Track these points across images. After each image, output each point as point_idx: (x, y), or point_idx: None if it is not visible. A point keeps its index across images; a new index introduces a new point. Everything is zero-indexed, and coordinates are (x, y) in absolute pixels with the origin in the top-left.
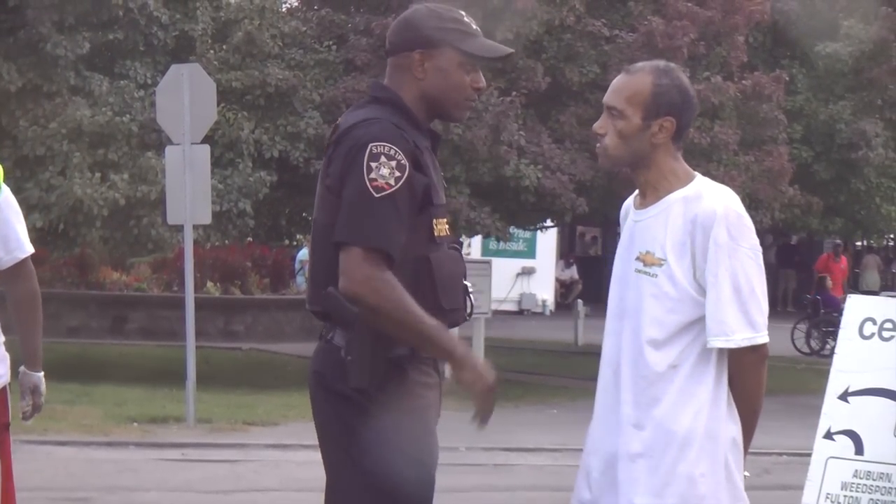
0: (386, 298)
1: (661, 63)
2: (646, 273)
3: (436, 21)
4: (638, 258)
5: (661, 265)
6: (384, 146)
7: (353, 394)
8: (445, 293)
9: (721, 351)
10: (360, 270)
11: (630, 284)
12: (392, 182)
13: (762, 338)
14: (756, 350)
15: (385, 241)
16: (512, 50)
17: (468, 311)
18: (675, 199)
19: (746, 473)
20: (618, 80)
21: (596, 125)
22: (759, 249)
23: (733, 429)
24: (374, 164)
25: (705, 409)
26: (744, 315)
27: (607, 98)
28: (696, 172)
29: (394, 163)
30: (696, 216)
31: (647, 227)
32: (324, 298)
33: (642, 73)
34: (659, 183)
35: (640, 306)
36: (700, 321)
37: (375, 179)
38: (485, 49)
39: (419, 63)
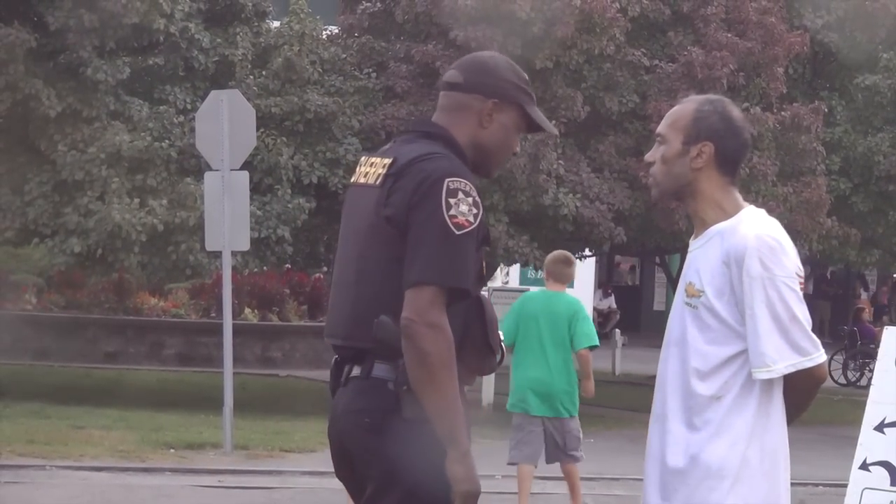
0: (441, 349)
1: (714, 95)
2: (689, 304)
3: (515, 77)
4: (685, 289)
5: (699, 297)
6: (460, 182)
7: (404, 426)
8: (493, 333)
9: (767, 381)
10: (431, 312)
11: (678, 314)
12: (471, 219)
13: (811, 361)
14: (809, 373)
15: (465, 280)
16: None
17: (502, 355)
18: (715, 232)
19: None
20: (669, 111)
21: (647, 155)
22: (798, 277)
23: (778, 461)
24: (452, 201)
25: (742, 440)
26: (787, 342)
27: (659, 127)
28: (746, 205)
29: (471, 199)
30: (729, 249)
31: (694, 258)
32: (377, 327)
33: (689, 101)
34: (706, 214)
35: (685, 336)
36: (743, 353)
37: (455, 216)
38: (542, 119)
39: (489, 112)
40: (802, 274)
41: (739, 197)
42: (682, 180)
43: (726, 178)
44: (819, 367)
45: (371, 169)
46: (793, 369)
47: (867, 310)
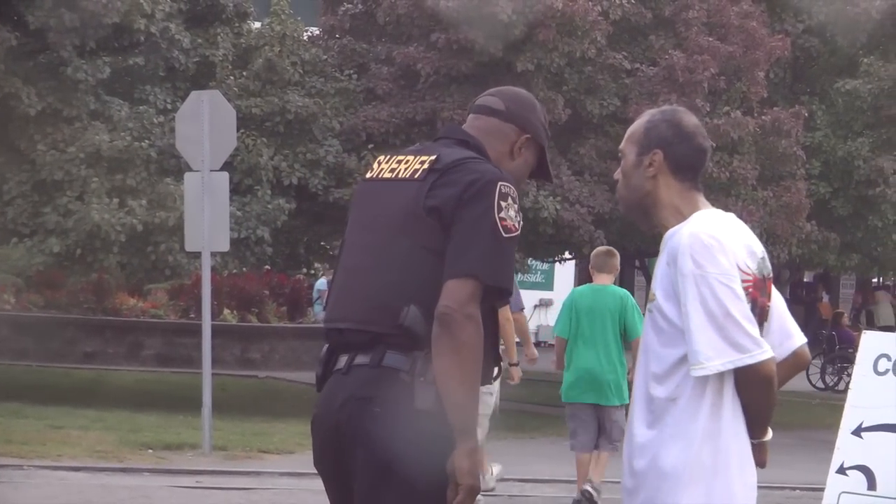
0: (474, 342)
1: (669, 106)
2: (649, 310)
3: (543, 119)
4: (649, 296)
5: (654, 301)
6: (510, 188)
7: (415, 417)
8: (497, 345)
9: (716, 381)
10: (471, 305)
11: (646, 321)
12: (517, 225)
13: (751, 358)
14: (754, 371)
15: (507, 281)
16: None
17: (499, 370)
18: (668, 236)
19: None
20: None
21: (614, 174)
22: (733, 275)
23: (731, 459)
24: (504, 204)
25: (695, 442)
26: (723, 339)
27: (620, 145)
28: (706, 208)
29: (517, 206)
30: (670, 250)
31: (656, 265)
32: (406, 316)
33: (644, 115)
34: (667, 221)
35: (648, 343)
36: None
37: (505, 220)
38: (549, 167)
39: (521, 146)
40: (751, 272)
41: (702, 201)
42: (642, 191)
43: (685, 183)
44: (763, 364)
45: (402, 166)
46: (731, 366)
47: (845, 314)
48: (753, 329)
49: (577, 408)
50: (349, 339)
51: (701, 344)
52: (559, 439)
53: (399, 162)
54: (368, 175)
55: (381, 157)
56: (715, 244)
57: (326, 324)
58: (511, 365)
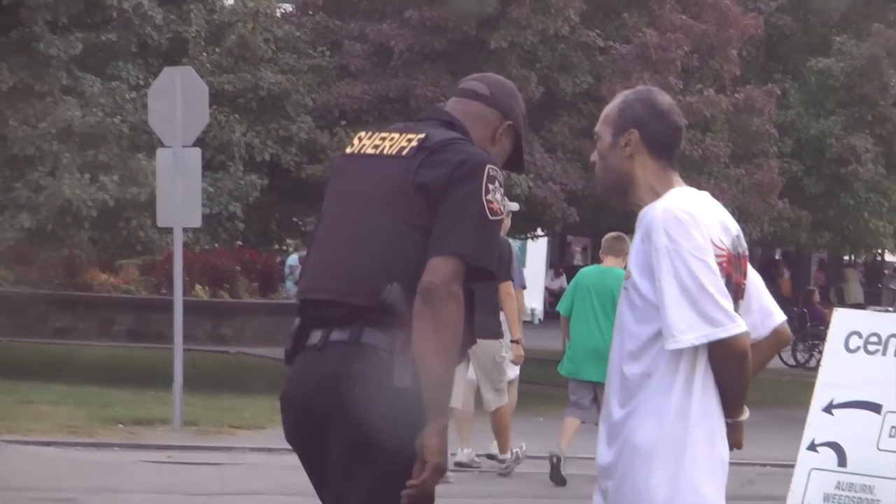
0: (455, 320)
1: (643, 87)
2: (624, 287)
3: (523, 108)
4: (624, 274)
5: (629, 278)
6: (497, 171)
7: (393, 394)
8: (471, 326)
9: (690, 356)
10: (454, 282)
11: (620, 300)
12: (502, 208)
13: (724, 332)
14: (727, 345)
15: (491, 262)
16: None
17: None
18: (643, 213)
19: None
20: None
21: (591, 157)
22: (706, 249)
23: (702, 435)
24: (491, 187)
25: (667, 418)
26: (697, 314)
27: (595, 127)
28: (680, 186)
29: (502, 189)
30: (644, 226)
31: (632, 243)
32: (389, 292)
33: (617, 97)
34: (643, 200)
35: (622, 321)
36: None
37: (492, 202)
38: (522, 155)
39: (502, 132)
40: (725, 247)
41: (677, 180)
42: (619, 171)
43: (661, 162)
44: (736, 339)
45: (387, 143)
46: (704, 340)
47: (816, 292)
48: (727, 303)
49: (577, 384)
50: (325, 312)
51: (675, 318)
52: (530, 416)
53: (383, 139)
54: (349, 150)
55: (363, 133)
56: (688, 218)
57: (301, 295)
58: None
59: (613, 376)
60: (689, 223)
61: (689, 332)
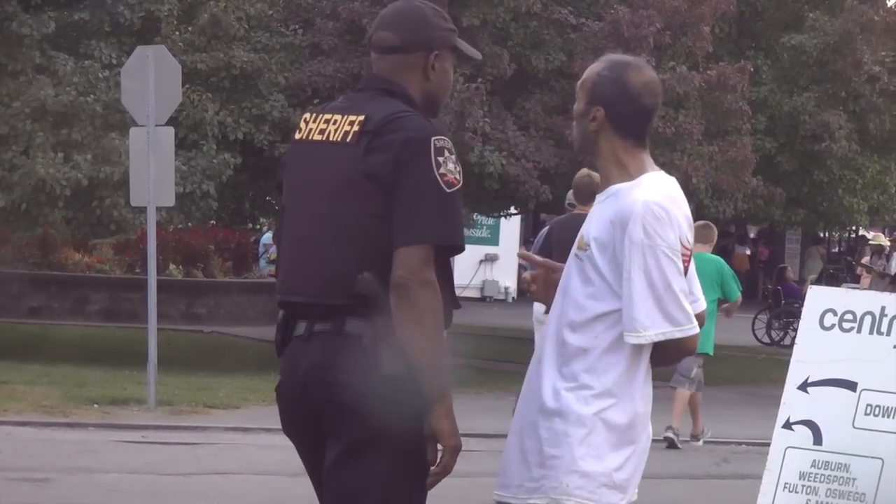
0: (435, 307)
1: (623, 58)
2: (577, 256)
3: (443, 22)
4: (577, 241)
5: (586, 250)
6: (444, 140)
7: (382, 382)
8: (453, 289)
9: (635, 345)
10: (425, 270)
11: (568, 264)
12: (458, 176)
13: (681, 332)
14: (679, 344)
15: (459, 236)
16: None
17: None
18: (615, 191)
19: None
20: None
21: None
22: (677, 250)
23: (637, 421)
24: (440, 159)
25: (603, 397)
26: (660, 311)
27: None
28: (653, 169)
29: (454, 156)
30: (618, 210)
31: (593, 213)
32: (361, 283)
33: (599, 62)
34: (609, 172)
35: (568, 286)
36: (617, 312)
37: (445, 175)
38: (469, 49)
39: (431, 65)
40: (690, 247)
41: (648, 161)
42: (587, 138)
43: (628, 141)
44: (690, 339)
45: (331, 126)
46: (663, 338)
47: (789, 268)
48: (688, 305)
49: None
50: (307, 311)
51: (640, 313)
52: (504, 394)
53: (327, 122)
54: (297, 136)
55: (308, 116)
56: (665, 217)
57: (280, 296)
58: None
59: (551, 337)
60: (665, 222)
61: (652, 328)
